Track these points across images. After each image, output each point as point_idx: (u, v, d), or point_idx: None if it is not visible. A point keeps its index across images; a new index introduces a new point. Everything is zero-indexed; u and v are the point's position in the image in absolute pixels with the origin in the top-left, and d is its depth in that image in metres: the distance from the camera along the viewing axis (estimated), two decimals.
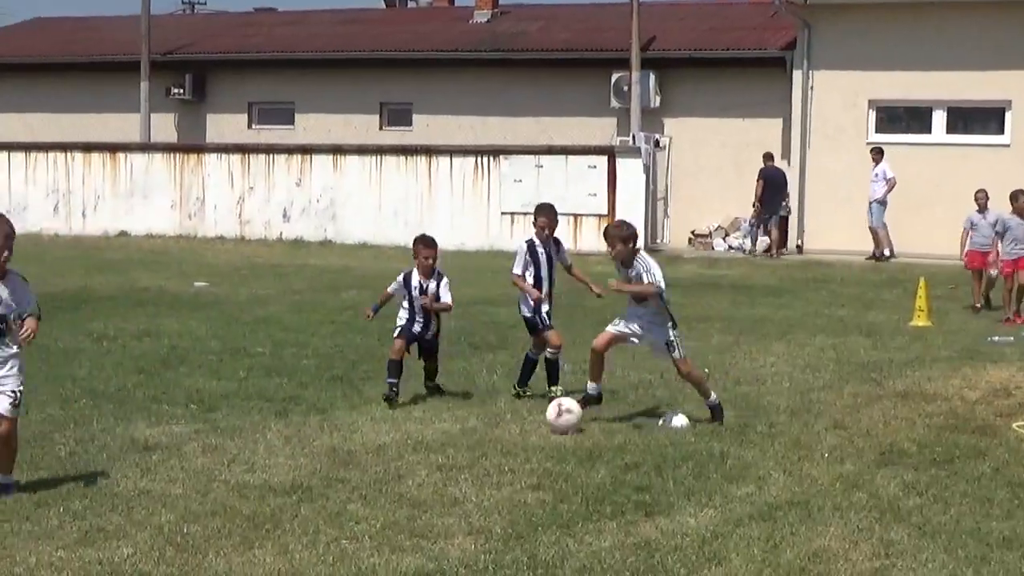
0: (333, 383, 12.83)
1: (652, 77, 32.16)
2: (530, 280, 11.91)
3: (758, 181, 29.41)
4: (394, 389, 11.61)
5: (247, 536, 7.72)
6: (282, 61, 36.67)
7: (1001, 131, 29.38)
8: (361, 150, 32.57)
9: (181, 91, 37.30)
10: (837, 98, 29.82)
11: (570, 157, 30.28)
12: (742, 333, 16.63)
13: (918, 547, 7.65)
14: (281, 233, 32.57)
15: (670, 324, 11.01)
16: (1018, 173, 25.82)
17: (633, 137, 30.81)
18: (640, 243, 11.42)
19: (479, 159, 31.12)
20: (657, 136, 31.47)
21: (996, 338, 16.36)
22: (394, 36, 36.42)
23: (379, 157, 32.11)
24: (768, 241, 29.70)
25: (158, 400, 11.84)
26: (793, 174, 30.25)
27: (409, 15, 41.96)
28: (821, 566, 7.32)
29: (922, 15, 29.07)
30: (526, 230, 28.22)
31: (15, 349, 8.50)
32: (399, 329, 11.90)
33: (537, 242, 11.94)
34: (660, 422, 10.97)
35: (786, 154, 30.86)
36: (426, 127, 34.94)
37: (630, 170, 29.88)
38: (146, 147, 35.15)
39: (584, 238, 28.48)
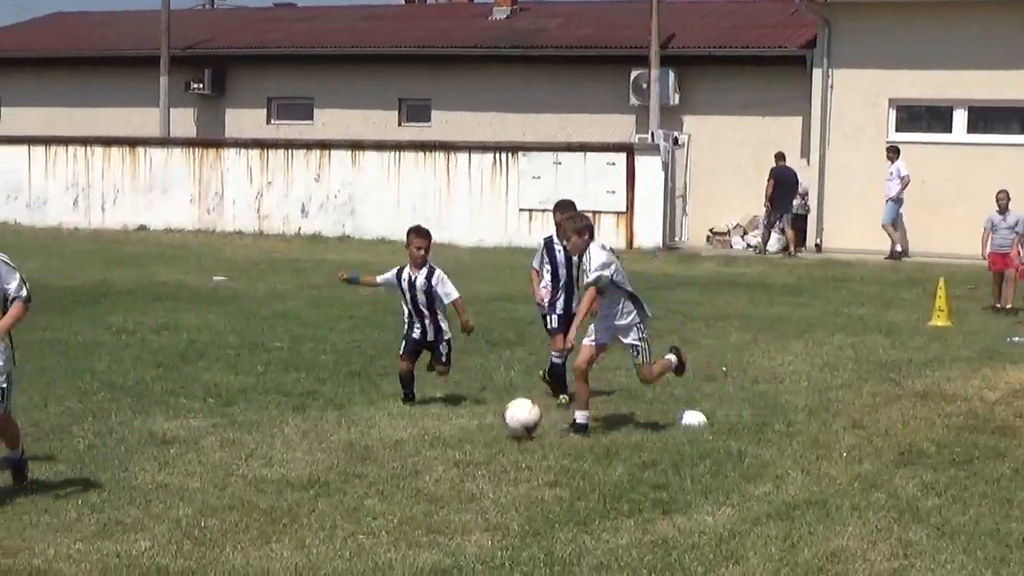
0: (351, 378, 12.84)
1: (671, 74, 32.09)
2: (547, 278, 11.81)
3: (769, 180, 29.41)
4: (409, 397, 11.61)
5: (264, 530, 7.73)
6: (301, 56, 36.69)
7: (1022, 131, 29.25)
8: (379, 146, 32.58)
9: (200, 86, 37.35)
10: (857, 97, 29.72)
11: (589, 154, 30.25)
12: (760, 331, 16.59)
13: (937, 548, 7.62)
14: (299, 228, 32.60)
15: (638, 322, 10.58)
16: None
17: (652, 134, 30.77)
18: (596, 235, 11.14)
19: (497, 155, 31.11)
20: (676, 134, 31.42)
21: (1016, 339, 16.29)
22: (413, 32, 36.42)
23: (397, 153, 32.13)
24: (783, 240, 29.70)
25: (176, 394, 11.86)
26: (812, 173, 30.17)
27: (428, 11, 41.94)
28: (839, 566, 7.29)
29: (943, 13, 28.94)
30: (545, 227, 28.25)
31: None
32: (402, 344, 11.68)
33: (556, 240, 11.76)
34: (677, 420, 10.95)
35: (805, 153, 30.78)
36: (444, 123, 34.93)
37: (649, 167, 29.84)
38: (165, 142, 35.23)
39: (602, 235, 28.38)
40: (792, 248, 29.19)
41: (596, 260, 10.47)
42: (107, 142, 35.05)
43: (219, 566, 7.07)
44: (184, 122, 37.55)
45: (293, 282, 21.80)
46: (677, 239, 31.02)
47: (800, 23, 31.93)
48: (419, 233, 11.71)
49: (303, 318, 17.11)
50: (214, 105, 37.90)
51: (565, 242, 10.75)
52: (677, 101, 32.38)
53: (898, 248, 27.94)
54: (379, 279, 11.84)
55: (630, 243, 29.63)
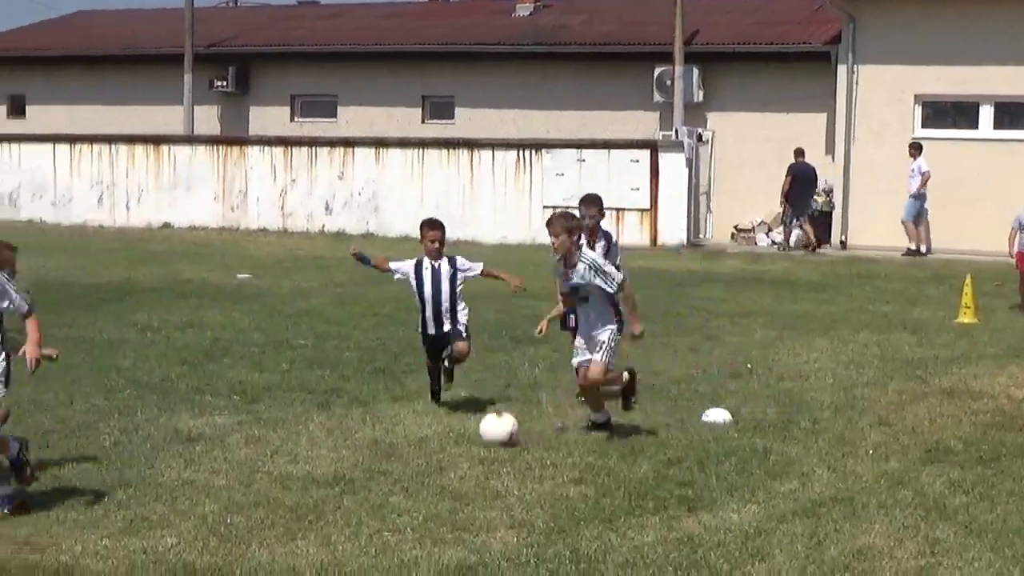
0: (375, 376, 12.85)
1: (695, 71, 32.01)
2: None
3: (786, 177, 29.36)
4: (436, 396, 11.49)
5: (290, 527, 7.75)
6: (325, 54, 36.73)
7: None
8: (403, 143, 32.61)
9: (224, 84, 37.43)
10: (882, 93, 29.58)
11: (612, 151, 30.20)
12: (785, 328, 16.53)
13: (964, 545, 7.58)
14: (323, 226, 32.65)
15: (613, 325, 10.19)
16: None
17: (676, 131, 30.71)
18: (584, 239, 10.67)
19: (521, 153, 31.09)
20: (700, 130, 31.35)
21: None
22: (436, 29, 36.43)
23: (421, 150, 32.14)
24: (803, 236, 29.65)
25: (201, 391, 11.89)
26: (837, 169, 30.06)
27: (451, 8, 41.93)
28: (865, 563, 7.26)
29: (969, 8, 28.78)
30: None
31: None
32: (426, 350, 11.49)
33: (581, 235, 11.72)
34: (702, 417, 10.92)
35: (830, 149, 30.66)
36: (468, 120, 34.93)
37: (673, 164, 29.79)
38: (189, 139, 35.32)
39: (626, 233, 28.35)
40: (812, 244, 29.13)
41: (603, 262, 10.25)
42: (131, 140, 35.17)
43: (245, 563, 7.08)
44: (208, 120, 37.64)
45: (317, 280, 21.83)
46: (701, 236, 30.95)
47: (825, 19, 31.82)
48: (432, 225, 11.41)
49: (327, 315, 17.13)
50: (238, 103, 37.98)
51: (553, 239, 10.15)
52: (701, 98, 32.29)
53: (913, 246, 27.85)
54: (392, 264, 11.43)
55: (654, 240, 29.58)
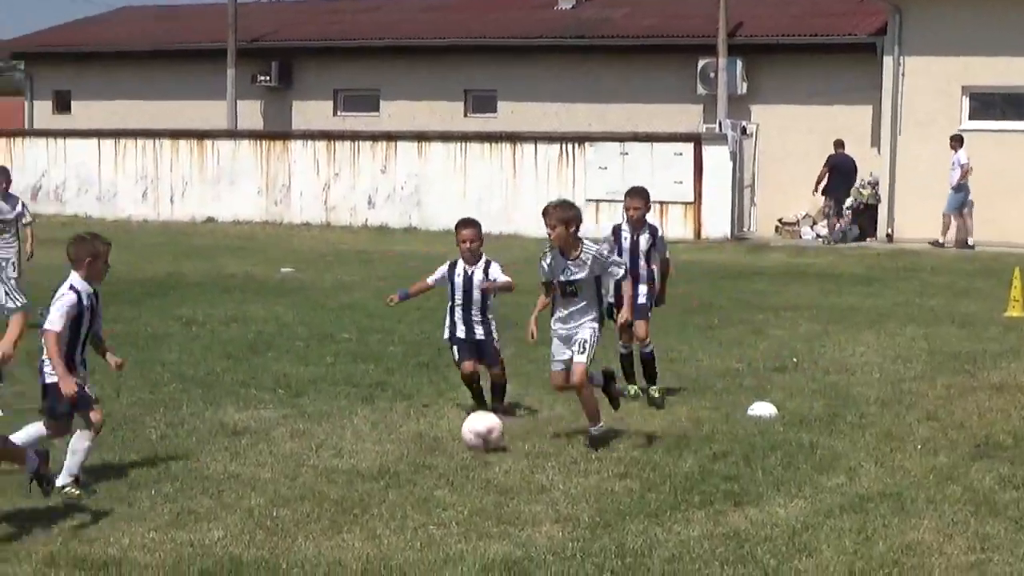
0: (419, 369, 12.86)
1: (739, 63, 31.86)
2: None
3: (824, 168, 29.23)
4: (481, 402, 10.76)
5: (336, 520, 7.76)
6: (367, 48, 36.78)
7: None
8: (445, 137, 32.62)
9: (267, 78, 37.56)
10: (929, 84, 29.33)
11: (656, 144, 30.09)
12: (830, 322, 16.42)
13: (1015, 541, 7.49)
14: (366, 219, 32.72)
15: (595, 319, 9.77)
16: None
17: (719, 124, 30.55)
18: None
19: (564, 146, 31.04)
20: (744, 123, 31.18)
21: None
22: (479, 23, 36.40)
23: (464, 144, 32.14)
24: (853, 229, 29.53)
25: (246, 385, 11.93)
26: (883, 162, 29.85)
27: (493, 1, 41.89)
28: (915, 559, 7.19)
29: None
30: (612, 217, 28.10)
31: None
32: (454, 350, 10.79)
33: (625, 227, 11.44)
34: (747, 411, 10.86)
35: (875, 142, 30.46)
36: (510, 114, 34.90)
37: (716, 157, 29.66)
38: (233, 134, 35.47)
39: (670, 226, 28.25)
40: (838, 235, 29.17)
41: (605, 250, 10.00)
42: (175, 135, 35.35)
43: (291, 556, 7.10)
44: (251, 114, 37.78)
45: (360, 274, 21.87)
46: (745, 229, 30.80)
47: (870, 10, 31.55)
48: (465, 223, 10.78)
49: (370, 309, 17.14)
50: (281, 97, 38.11)
51: (550, 231, 9.66)
52: (745, 90, 32.14)
53: (941, 239, 27.77)
54: (430, 280, 10.83)
55: (698, 234, 29.47)
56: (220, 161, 34.64)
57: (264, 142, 34.44)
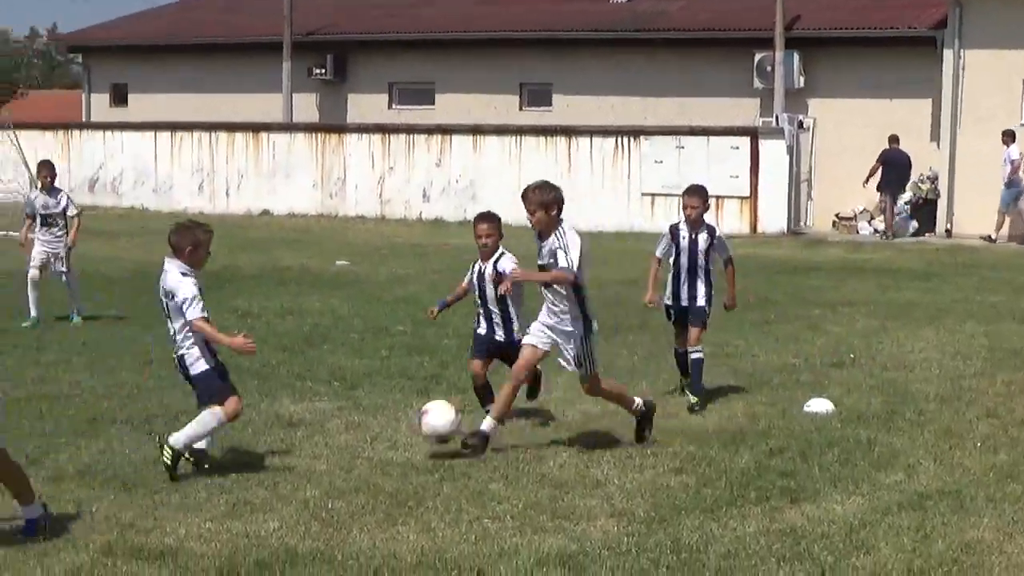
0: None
1: (796, 57, 31.65)
2: (671, 267, 11.25)
3: (876, 163, 29.02)
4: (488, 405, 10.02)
5: (391, 513, 7.76)
6: (422, 41, 36.85)
7: None
8: (500, 130, 32.62)
9: (323, 71, 37.70)
10: (989, 78, 29.00)
11: (712, 138, 29.97)
12: (888, 318, 16.27)
13: None
14: (421, 213, 32.78)
15: (583, 326, 9.25)
16: None
17: (776, 118, 30.40)
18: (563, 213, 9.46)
19: (619, 140, 30.96)
20: (801, 117, 31.00)
21: None
22: (534, 16, 36.36)
23: (518, 137, 32.14)
24: (914, 224, 29.34)
25: (302, 377, 11.97)
26: (942, 157, 29.56)
27: None
28: (974, 558, 7.10)
29: None
30: (667, 212, 28.09)
31: None
32: (471, 346, 10.46)
33: (682, 226, 11.15)
34: (804, 407, 10.77)
35: (935, 136, 30.18)
36: (566, 107, 34.84)
37: (773, 151, 29.49)
38: (288, 127, 35.65)
39: (726, 221, 28.14)
40: (888, 232, 28.89)
41: (575, 250, 9.14)
42: (231, 128, 35.58)
43: (346, 547, 7.10)
44: (306, 107, 37.93)
45: (415, 267, 21.91)
46: (802, 224, 30.61)
47: (930, 2, 31.26)
48: (482, 218, 10.28)
49: (425, 302, 17.03)
50: (336, 90, 38.24)
51: (530, 217, 9.21)
52: (802, 84, 31.93)
53: (993, 235, 27.52)
54: (464, 283, 10.49)
55: (754, 228, 29.33)
56: (276, 154, 34.82)
57: (319, 135, 34.59)
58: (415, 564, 6.87)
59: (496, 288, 9.91)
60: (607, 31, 34.53)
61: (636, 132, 31.03)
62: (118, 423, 10.03)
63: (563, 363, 9.43)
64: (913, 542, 7.32)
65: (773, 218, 29.43)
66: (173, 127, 36.28)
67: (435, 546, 7.16)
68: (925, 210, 29.90)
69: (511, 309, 10.13)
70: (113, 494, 8.07)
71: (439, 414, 9.15)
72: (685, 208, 11.18)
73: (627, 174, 30.71)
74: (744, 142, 29.65)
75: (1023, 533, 7.53)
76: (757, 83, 32.19)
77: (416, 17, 38.36)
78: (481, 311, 10.28)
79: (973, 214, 28.99)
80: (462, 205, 32.34)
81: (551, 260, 9.16)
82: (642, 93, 33.81)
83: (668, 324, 11.65)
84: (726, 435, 9.80)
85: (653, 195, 30.11)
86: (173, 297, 8.56)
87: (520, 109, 35.84)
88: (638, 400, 9.67)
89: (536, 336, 9.34)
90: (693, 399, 10.86)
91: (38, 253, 15.59)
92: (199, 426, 8.49)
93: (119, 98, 41.60)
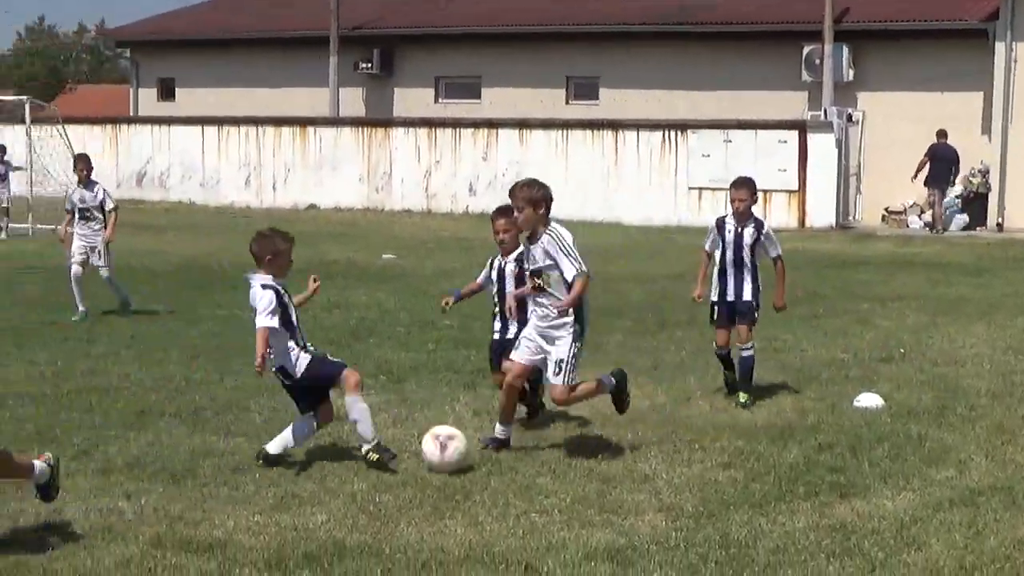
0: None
1: (845, 50, 31.46)
2: (717, 262, 11.07)
3: (924, 157, 28.81)
4: (533, 412, 9.89)
5: (438, 506, 7.75)
6: (468, 35, 36.87)
7: None
8: (547, 124, 32.60)
9: (369, 66, 37.81)
10: None
11: (759, 132, 29.83)
12: (938, 313, 16.13)
13: None
14: (467, 207, 32.80)
15: (574, 332, 8.74)
16: None
17: (825, 111, 30.21)
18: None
19: (666, 133, 30.87)
20: (850, 110, 30.79)
21: None
22: (580, 9, 36.30)
23: (565, 131, 32.10)
24: (966, 219, 29.13)
25: None
26: (993, 150, 29.29)
27: None
28: None
29: None
30: (715, 206, 28.00)
31: None
32: (491, 358, 10.01)
33: (729, 219, 10.92)
34: (854, 402, 10.68)
35: (986, 129, 29.89)
36: (612, 101, 34.77)
37: (822, 145, 29.33)
38: (335, 121, 35.76)
39: (774, 214, 28.01)
40: (939, 226, 28.67)
41: (573, 243, 8.70)
42: (278, 122, 35.73)
43: (394, 541, 7.10)
44: (353, 101, 38.04)
45: (460, 260, 21.89)
46: (851, 218, 30.41)
47: None
48: (500, 213, 9.68)
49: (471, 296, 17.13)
50: (382, 84, 38.32)
51: (518, 213, 8.78)
52: (851, 77, 31.73)
53: None
54: (480, 279, 10.05)
55: (802, 222, 29.18)
56: (322, 148, 34.94)
57: (366, 129, 34.69)
58: (462, 558, 6.85)
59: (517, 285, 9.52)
60: (654, 24, 34.42)
61: (683, 126, 30.93)
62: (167, 416, 10.07)
63: (543, 370, 8.95)
64: (965, 538, 7.24)
65: (821, 212, 29.26)
66: (220, 121, 36.47)
67: (483, 540, 7.14)
68: (976, 204, 29.66)
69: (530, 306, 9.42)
70: (162, 486, 8.10)
71: (463, 438, 8.64)
72: (733, 201, 10.94)
73: (674, 168, 30.61)
74: (792, 136, 29.50)
75: None
76: (805, 76, 32.02)
77: (462, 11, 38.39)
78: (498, 310, 9.85)
79: None
80: (505, 199, 32.26)
81: (547, 262, 8.66)
82: (689, 86, 33.69)
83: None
84: (775, 430, 9.73)
85: (700, 189, 30.01)
86: (254, 312, 8.59)
87: (567, 103, 35.79)
88: (606, 381, 9.21)
89: (523, 351, 8.93)
90: (743, 397, 10.76)
91: (77, 248, 15.64)
92: (361, 416, 8.53)
93: (167, 92, 41.87)
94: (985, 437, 9.61)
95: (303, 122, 35.56)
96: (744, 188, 10.89)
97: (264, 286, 8.64)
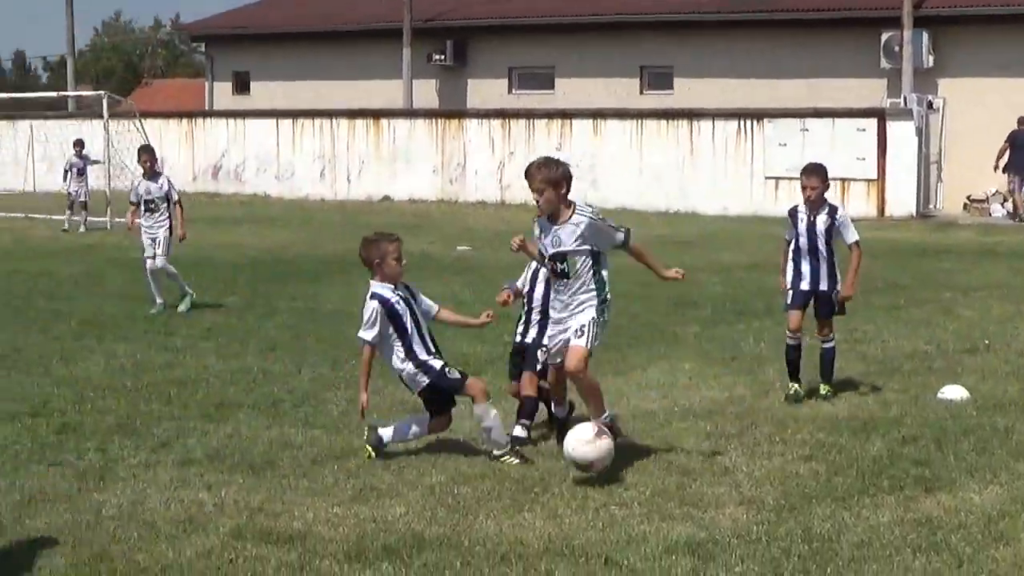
0: (598, 349, 12.68)
1: (925, 36, 31.02)
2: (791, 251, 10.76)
3: (1004, 144, 28.36)
4: (559, 421, 9.31)
5: (516, 499, 7.70)
6: (542, 26, 36.78)
7: None
8: (621, 114, 32.43)
9: (442, 57, 37.83)
10: None
11: (837, 120, 29.49)
12: (1023, 303, 15.83)
13: None
14: None
15: (598, 299, 8.49)
16: None
17: (904, 99, 29.79)
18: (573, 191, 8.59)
19: (742, 123, 30.60)
20: (930, 97, 30.35)
21: None
22: None
23: (639, 122, 31.92)
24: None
25: None
26: None
27: None
28: None
29: None
30: (791, 195, 27.55)
31: None
32: (511, 369, 9.73)
33: (801, 207, 10.69)
34: (938, 394, 10.51)
35: None
36: (687, 91, 34.53)
37: (901, 133, 28.94)
38: (408, 113, 35.83)
39: (852, 204, 27.67)
40: (1021, 213, 28.40)
41: (600, 214, 8.47)
42: (352, 114, 35.86)
43: (473, 533, 7.06)
44: (426, 93, 38.09)
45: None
46: (932, 207, 30.00)
47: None
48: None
49: None
50: (456, 76, 38.33)
51: (537, 196, 8.40)
52: (931, 63, 31.29)
53: None
54: (519, 283, 9.94)
55: (881, 211, 28.82)
56: (396, 140, 35.02)
57: (439, 121, 34.71)
58: (542, 551, 6.81)
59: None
60: (729, 12, 34.14)
61: (759, 115, 30.65)
62: (245, 408, 10.12)
63: (574, 332, 8.50)
64: None
65: (901, 201, 28.89)
66: (295, 114, 36.69)
67: (562, 533, 7.09)
68: None
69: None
70: (242, 478, 8.12)
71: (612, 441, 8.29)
72: (804, 189, 10.63)
73: (750, 158, 30.35)
74: (871, 124, 29.13)
75: None
76: (884, 63, 31.62)
77: (536, 1, 38.30)
78: (524, 313, 9.62)
79: None
80: (583, 190, 32.11)
81: (578, 246, 8.36)
82: (764, 75, 33.39)
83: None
84: (856, 422, 9.59)
85: (777, 179, 29.71)
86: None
87: (641, 93, 35.61)
88: (608, 412, 8.79)
89: (544, 355, 8.88)
90: (824, 389, 10.60)
91: (146, 242, 15.71)
92: (491, 422, 8.60)
93: (241, 86, 42.18)
94: None
95: (377, 114, 35.67)
96: (815, 175, 10.64)
97: (372, 295, 8.72)
